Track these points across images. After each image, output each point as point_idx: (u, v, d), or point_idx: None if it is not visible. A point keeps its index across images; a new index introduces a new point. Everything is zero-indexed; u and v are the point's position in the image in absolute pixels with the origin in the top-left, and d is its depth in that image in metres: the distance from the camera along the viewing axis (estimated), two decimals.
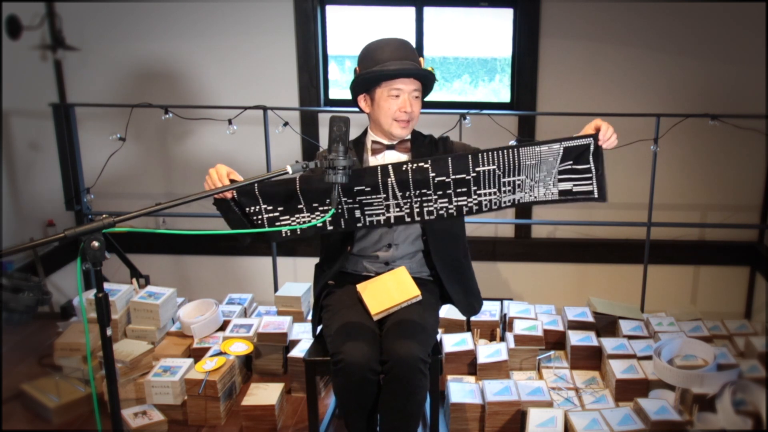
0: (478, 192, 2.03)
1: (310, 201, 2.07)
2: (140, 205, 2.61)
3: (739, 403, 1.82)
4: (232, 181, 2.05)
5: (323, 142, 3.99)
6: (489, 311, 3.17)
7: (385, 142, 2.26)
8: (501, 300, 3.34)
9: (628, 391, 2.67)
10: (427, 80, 2.22)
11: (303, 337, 3.01)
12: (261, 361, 3.01)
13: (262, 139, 3.59)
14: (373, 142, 2.28)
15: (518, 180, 2.02)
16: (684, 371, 2.55)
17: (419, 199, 2.05)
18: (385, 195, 2.05)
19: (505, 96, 4.15)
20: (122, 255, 3.67)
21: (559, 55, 3.91)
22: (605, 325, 3.14)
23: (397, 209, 2.07)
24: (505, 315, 3.20)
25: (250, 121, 3.74)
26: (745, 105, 3.84)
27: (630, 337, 3.01)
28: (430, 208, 2.06)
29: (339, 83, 4.14)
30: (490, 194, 2.03)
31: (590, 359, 2.92)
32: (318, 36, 3.99)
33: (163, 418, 2.62)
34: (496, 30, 4.06)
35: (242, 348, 2.90)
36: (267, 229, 2.10)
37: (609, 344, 2.90)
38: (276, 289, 3.62)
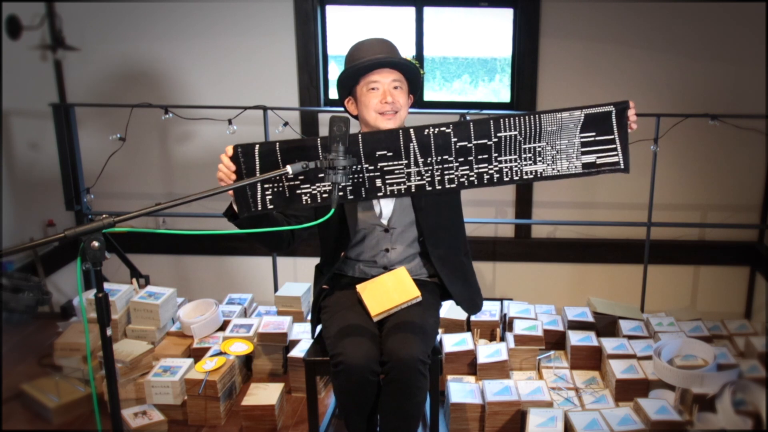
0: (499, 159, 2.02)
1: (329, 166, 1.94)
2: (140, 205, 2.61)
3: (739, 403, 1.82)
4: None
5: None
6: (489, 311, 3.17)
7: None
8: (501, 300, 3.34)
9: (628, 391, 2.67)
10: (407, 71, 2.21)
11: (303, 337, 3.01)
12: (261, 361, 3.01)
13: (262, 139, 3.59)
14: None
15: (539, 147, 2.00)
16: (684, 371, 2.55)
17: (440, 166, 2.03)
18: (407, 161, 2.03)
19: (505, 96, 4.15)
20: (122, 255, 3.67)
21: (559, 55, 3.91)
22: (605, 325, 3.14)
23: (419, 177, 2.05)
24: (505, 315, 3.20)
25: (250, 121, 3.74)
26: (745, 105, 3.84)
27: (630, 337, 3.01)
28: (451, 176, 2.04)
29: (336, 87, 4.14)
30: (510, 161, 2.02)
31: (590, 359, 2.92)
32: (318, 36, 3.99)
33: (163, 418, 2.62)
34: (496, 30, 4.06)
35: (242, 348, 2.90)
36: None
37: (609, 344, 2.90)
38: (276, 289, 3.62)
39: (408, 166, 2.04)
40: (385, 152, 2.04)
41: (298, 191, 2.03)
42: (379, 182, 2.07)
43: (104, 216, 1.69)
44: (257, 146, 1.99)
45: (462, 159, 2.03)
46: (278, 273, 3.77)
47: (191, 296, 3.43)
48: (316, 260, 2.45)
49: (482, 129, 2.01)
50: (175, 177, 4.24)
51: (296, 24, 3.95)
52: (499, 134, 2.01)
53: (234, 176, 2.01)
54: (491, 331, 3.11)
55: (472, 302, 2.37)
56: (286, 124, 3.55)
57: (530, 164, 2.02)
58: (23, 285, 2.71)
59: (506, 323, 3.17)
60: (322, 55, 4.05)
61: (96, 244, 1.65)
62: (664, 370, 2.58)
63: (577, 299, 3.94)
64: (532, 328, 2.96)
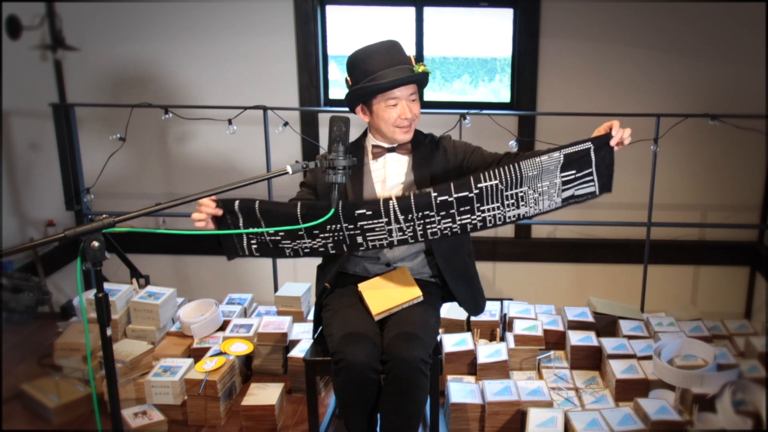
0: (481, 208, 2.01)
1: (310, 227, 2.04)
2: (140, 205, 2.61)
3: (739, 403, 1.82)
4: (219, 202, 2.03)
5: (323, 142, 4.00)
6: (489, 311, 3.17)
7: (386, 145, 2.24)
8: (501, 300, 3.34)
9: (628, 391, 2.67)
10: (421, 81, 2.20)
11: (303, 337, 3.01)
12: (261, 361, 3.01)
13: (262, 139, 3.59)
14: (374, 146, 2.25)
15: (521, 192, 2.00)
16: (684, 371, 2.55)
17: (422, 221, 2.02)
18: (387, 219, 2.02)
19: (505, 96, 4.15)
20: (122, 255, 3.67)
21: (559, 55, 3.91)
22: (605, 325, 3.14)
23: (400, 233, 2.04)
24: (505, 315, 3.20)
25: (250, 121, 3.74)
26: (745, 105, 3.84)
27: (630, 337, 3.01)
28: (434, 229, 2.03)
29: (339, 83, 4.14)
30: (493, 209, 2.01)
31: (590, 359, 2.92)
32: (318, 36, 3.99)
33: (163, 418, 2.62)
34: (496, 30, 4.06)
35: (242, 348, 2.90)
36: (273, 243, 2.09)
37: (609, 344, 2.90)
38: (276, 289, 3.62)
39: (389, 223, 2.03)
40: (364, 211, 2.03)
41: (281, 245, 2.08)
42: (360, 239, 2.06)
43: (104, 216, 1.69)
44: (236, 202, 2.03)
45: (444, 212, 2.01)
46: (278, 273, 3.77)
47: (191, 296, 3.43)
48: (317, 260, 2.44)
49: (463, 184, 2.00)
50: (175, 177, 4.24)
51: (296, 24, 3.95)
52: (479, 185, 1.99)
53: (210, 218, 2.03)
54: (491, 331, 3.11)
55: (475, 303, 2.37)
56: (286, 124, 3.55)
57: (513, 209, 2.02)
58: (23, 285, 2.70)
59: (506, 323, 3.17)
60: (322, 55, 4.05)
61: (96, 244, 1.65)
62: (664, 370, 2.58)
63: (577, 299, 3.94)
64: (532, 328, 2.96)
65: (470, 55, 4.20)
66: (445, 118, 3.74)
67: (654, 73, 3.90)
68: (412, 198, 2.00)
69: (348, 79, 2.20)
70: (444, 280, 2.31)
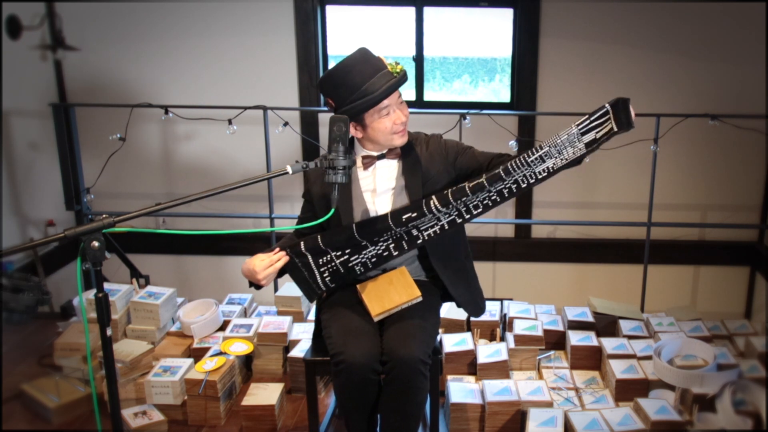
0: (511, 175, 2.07)
1: (369, 236, 2.16)
2: (140, 205, 2.61)
3: (739, 403, 1.82)
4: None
5: (323, 142, 4.00)
6: (489, 311, 3.17)
7: (375, 153, 2.21)
8: (501, 300, 3.34)
9: (628, 391, 2.67)
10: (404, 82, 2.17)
11: (303, 337, 3.01)
12: (261, 361, 3.01)
13: (262, 139, 3.59)
14: (363, 157, 2.21)
15: (542, 151, 2.05)
16: (684, 371, 2.55)
17: (463, 203, 2.13)
18: (431, 215, 2.13)
19: (505, 96, 4.15)
20: (122, 255, 3.67)
21: (559, 55, 3.91)
22: (605, 325, 3.14)
23: (447, 216, 2.16)
24: (505, 315, 3.20)
25: (250, 121, 3.74)
26: (745, 105, 3.84)
27: (630, 337, 3.01)
28: (475, 203, 2.13)
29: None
30: (523, 171, 2.06)
31: (590, 359, 2.92)
32: (318, 36, 3.99)
33: (163, 418, 2.62)
34: (496, 30, 4.06)
35: (242, 348, 2.90)
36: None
37: (609, 344, 2.90)
38: (276, 289, 3.62)
39: (434, 216, 2.15)
40: (410, 214, 2.13)
41: (350, 264, 2.20)
42: (415, 231, 2.18)
43: (104, 216, 1.69)
44: (302, 244, 2.18)
45: (479, 192, 2.10)
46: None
47: (191, 296, 3.43)
48: None
49: (493, 175, 2.08)
50: (175, 177, 4.24)
51: (296, 24, 3.95)
52: (506, 167, 2.06)
53: (271, 269, 2.15)
54: (491, 331, 3.11)
55: (475, 305, 2.36)
56: (286, 124, 3.55)
57: (540, 164, 2.06)
58: (23, 285, 2.71)
59: (506, 323, 3.17)
60: (322, 55, 4.05)
61: (96, 244, 1.65)
62: (664, 370, 2.58)
63: (577, 299, 3.95)
64: (532, 328, 2.96)
65: (470, 55, 4.20)
66: (445, 118, 3.74)
67: (654, 73, 3.90)
68: (449, 195, 2.09)
69: (329, 101, 2.13)
70: (443, 283, 2.30)
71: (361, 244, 2.17)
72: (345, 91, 2.08)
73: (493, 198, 2.12)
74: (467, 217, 2.16)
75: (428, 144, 2.26)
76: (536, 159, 2.05)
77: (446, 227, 2.17)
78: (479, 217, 2.17)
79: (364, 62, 2.09)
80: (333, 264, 2.20)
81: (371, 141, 2.18)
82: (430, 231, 2.17)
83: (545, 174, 2.08)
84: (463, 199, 2.10)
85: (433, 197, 2.11)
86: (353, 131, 2.18)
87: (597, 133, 2.03)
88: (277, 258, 2.15)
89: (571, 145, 2.04)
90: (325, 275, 2.21)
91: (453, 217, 2.15)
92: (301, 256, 2.18)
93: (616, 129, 2.00)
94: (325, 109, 4.03)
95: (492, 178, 2.06)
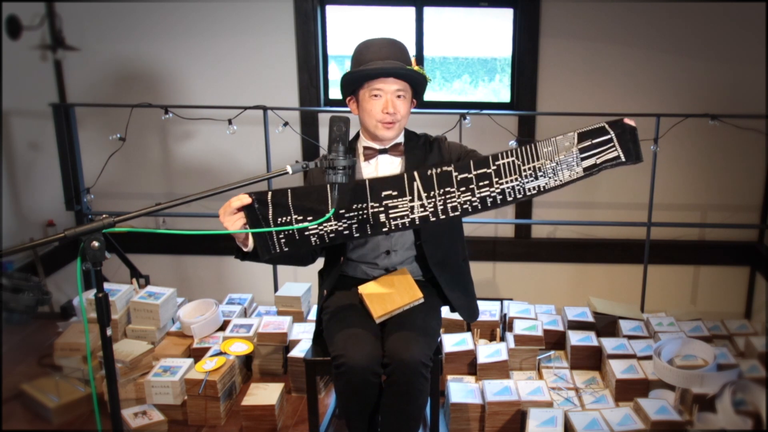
0: (499, 182, 2.02)
1: (341, 203, 2.06)
2: (140, 205, 2.61)
3: (739, 403, 1.82)
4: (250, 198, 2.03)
5: (323, 142, 4.00)
6: (489, 311, 3.17)
7: (377, 146, 2.22)
8: (501, 300, 3.34)
9: (628, 391, 2.67)
10: (413, 81, 2.16)
11: (303, 337, 3.01)
12: (261, 361, 3.01)
13: (262, 139, 3.59)
14: (365, 147, 2.23)
15: (537, 164, 2.00)
16: (684, 371, 2.55)
17: (443, 197, 2.04)
18: (410, 197, 2.05)
19: (505, 96, 4.15)
20: (122, 255, 3.67)
21: (559, 55, 3.91)
22: (605, 325, 3.14)
23: (422, 209, 2.05)
24: (505, 315, 3.20)
25: (250, 121, 3.74)
26: (745, 105, 3.84)
27: (630, 337, 3.01)
28: (454, 204, 2.04)
29: (339, 83, 4.14)
30: (512, 181, 2.01)
31: (590, 359, 2.92)
32: (318, 36, 3.99)
33: (163, 418, 2.62)
34: (496, 30, 4.06)
35: (242, 348, 2.90)
36: (297, 230, 2.08)
37: (609, 344, 2.90)
38: (276, 289, 3.62)
39: (411, 200, 2.05)
40: (390, 192, 2.05)
41: (306, 233, 2.08)
42: (383, 217, 2.06)
43: (104, 216, 1.69)
44: (269, 194, 2.05)
45: (464, 188, 2.03)
46: (278, 273, 3.78)
47: (191, 296, 3.43)
48: (317, 263, 2.44)
49: (481, 162, 2.03)
50: (175, 177, 4.24)
51: (296, 24, 3.95)
52: (497, 162, 2.01)
53: (237, 214, 2.00)
54: (491, 331, 3.11)
55: (470, 309, 2.35)
56: (286, 124, 3.55)
57: (532, 180, 2.01)
58: (23, 285, 2.70)
59: (506, 323, 3.17)
60: (322, 55, 4.05)
61: (96, 244, 1.65)
62: (664, 370, 2.58)
63: (577, 299, 3.95)
64: (532, 328, 2.96)
65: (470, 55, 4.20)
66: (445, 118, 3.74)
67: (654, 73, 3.90)
68: (434, 176, 2.03)
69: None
70: (439, 286, 2.29)
71: (326, 210, 2.04)
72: (355, 62, 2.16)
73: (474, 204, 2.03)
74: (442, 217, 2.05)
75: (432, 145, 2.27)
76: (530, 173, 2.00)
77: (416, 222, 2.06)
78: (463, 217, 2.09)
79: (386, 46, 2.14)
80: (290, 227, 2.06)
81: (364, 127, 2.21)
82: (399, 222, 2.07)
83: (534, 192, 2.02)
84: (446, 190, 2.03)
85: (417, 178, 2.03)
86: (352, 107, 2.23)
87: (598, 158, 1.99)
88: (237, 198, 1.99)
89: (569, 168, 1.99)
90: (280, 236, 2.08)
91: (427, 213, 2.05)
92: (264, 206, 2.04)
93: (624, 159, 1.96)
94: (326, 109, 4.05)
95: (480, 177, 2.01)
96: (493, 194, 2.02)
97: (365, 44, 2.16)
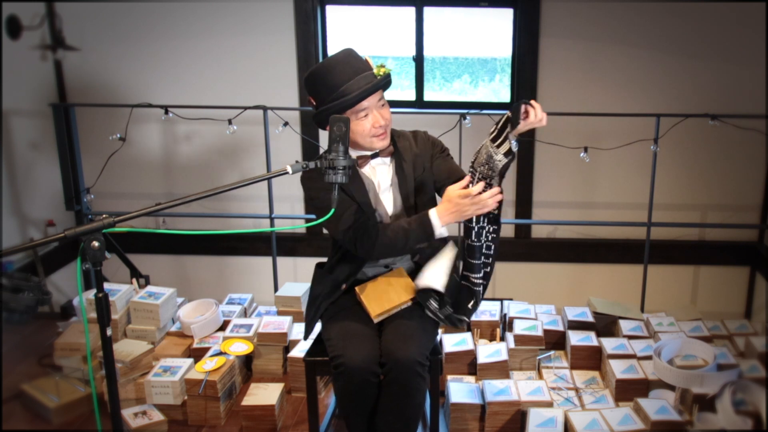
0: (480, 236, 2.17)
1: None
2: (140, 205, 2.62)
3: (739, 403, 1.82)
4: None
5: (323, 142, 4.00)
6: (489, 311, 3.17)
7: (368, 153, 2.21)
8: (501, 300, 3.34)
9: (628, 391, 2.67)
10: (387, 84, 2.15)
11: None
12: (261, 361, 3.01)
13: (262, 139, 3.59)
14: (358, 157, 2.20)
15: (484, 177, 2.05)
16: (684, 371, 2.55)
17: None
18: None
19: (505, 96, 4.15)
20: (122, 255, 3.67)
21: (559, 55, 3.91)
22: (605, 325, 3.14)
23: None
24: (505, 315, 3.20)
25: (250, 121, 3.74)
26: (745, 105, 3.84)
27: (630, 337, 3.01)
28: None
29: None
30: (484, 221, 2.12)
31: (590, 359, 2.92)
32: (318, 36, 3.99)
33: (163, 418, 2.62)
34: (496, 30, 4.06)
35: (242, 348, 2.90)
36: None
37: (609, 344, 2.90)
38: (276, 289, 3.62)
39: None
40: None
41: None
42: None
43: (104, 216, 1.69)
44: None
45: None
46: (278, 273, 3.77)
47: (191, 296, 3.43)
48: (316, 260, 2.44)
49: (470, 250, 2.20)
50: (175, 177, 4.24)
51: (296, 24, 3.95)
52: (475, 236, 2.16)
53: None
54: (491, 331, 3.11)
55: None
56: (286, 124, 3.55)
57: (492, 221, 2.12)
58: (23, 285, 2.71)
59: (506, 323, 3.17)
60: (322, 55, 4.05)
61: (96, 244, 1.65)
62: (664, 370, 2.58)
63: (577, 299, 3.95)
64: (532, 328, 2.96)
65: (470, 55, 4.20)
66: (445, 118, 3.74)
67: (654, 73, 3.90)
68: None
69: (311, 99, 2.14)
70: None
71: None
72: (324, 91, 2.08)
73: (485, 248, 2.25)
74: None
75: (416, 140, 2.26)
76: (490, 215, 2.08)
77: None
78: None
79: (345, 63, 2.08)
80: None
81: (353, 143, 2.17)
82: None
83: (497, 211, 2.08)
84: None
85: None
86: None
87: (504, 138, 2.02)
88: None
89: (494, 158, 2.02)
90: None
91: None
92: None
93: (510, 129, 2.00)
94: None
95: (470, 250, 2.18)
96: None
97: (325, 69, 2.08)
